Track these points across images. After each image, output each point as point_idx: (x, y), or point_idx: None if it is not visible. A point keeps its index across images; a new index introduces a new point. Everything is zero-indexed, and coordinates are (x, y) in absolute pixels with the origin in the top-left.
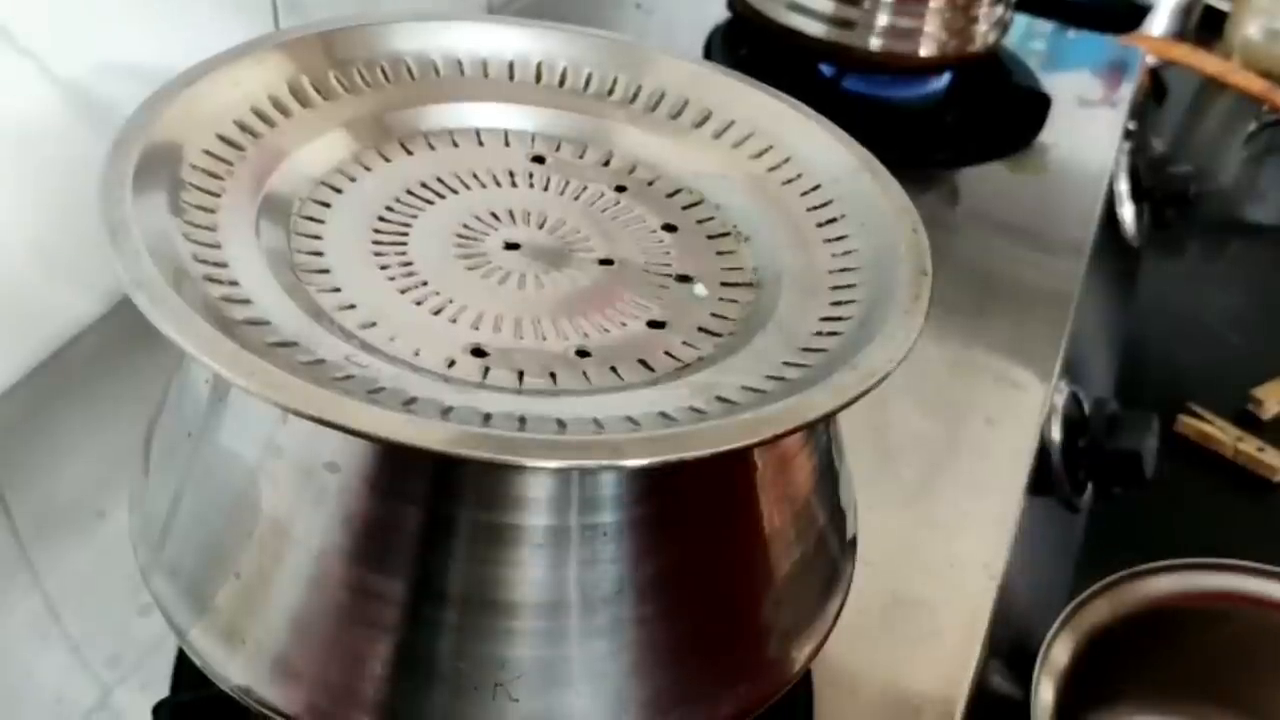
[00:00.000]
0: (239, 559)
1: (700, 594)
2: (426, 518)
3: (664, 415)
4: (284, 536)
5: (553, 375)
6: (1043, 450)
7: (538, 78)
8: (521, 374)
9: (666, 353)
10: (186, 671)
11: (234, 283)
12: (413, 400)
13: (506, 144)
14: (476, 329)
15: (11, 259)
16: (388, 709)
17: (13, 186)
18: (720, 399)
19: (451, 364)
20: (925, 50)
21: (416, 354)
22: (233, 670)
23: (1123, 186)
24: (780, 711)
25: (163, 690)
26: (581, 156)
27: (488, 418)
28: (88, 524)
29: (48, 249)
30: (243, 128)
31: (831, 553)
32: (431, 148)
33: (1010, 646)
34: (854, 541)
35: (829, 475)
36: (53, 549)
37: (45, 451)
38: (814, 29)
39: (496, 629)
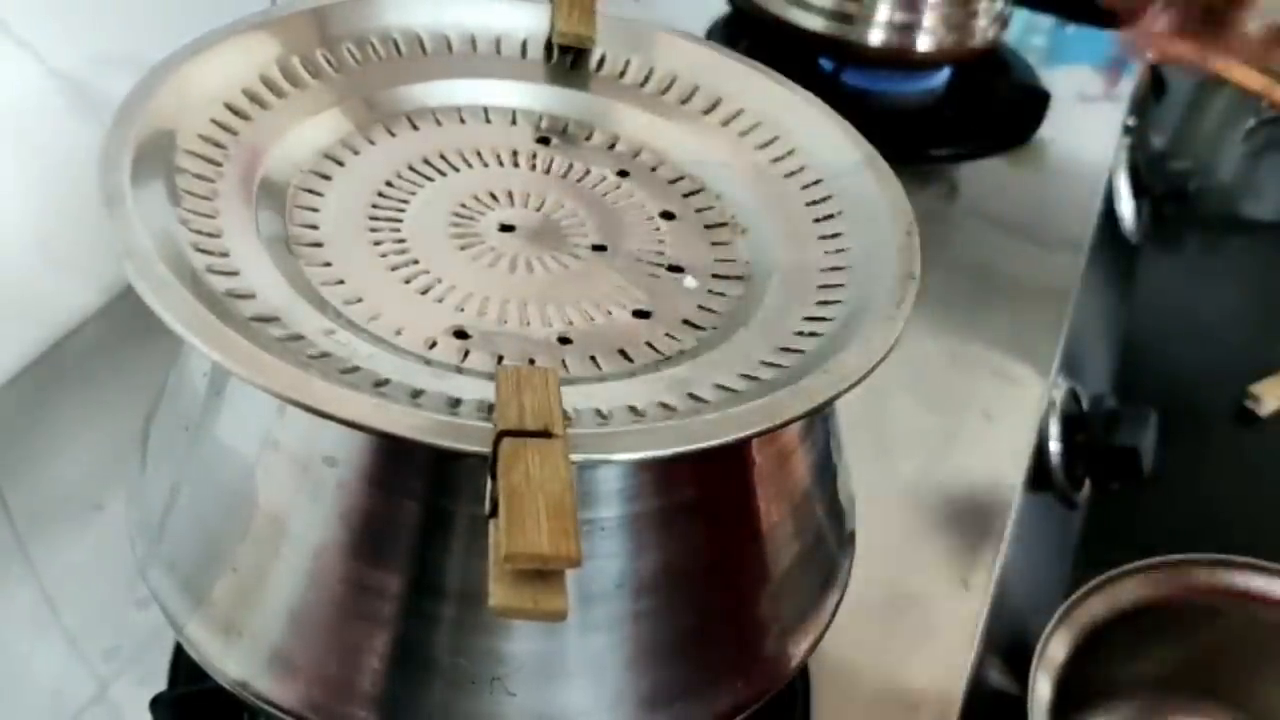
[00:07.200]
0: (236, 553)
1: (698, 589)
2: (424, 512)
3: (632, 410)
4: (281, 530)
5: (531, 362)
6: (1041, 446)
7: (549, 56)
8: (500, 359)
9: (648, 343)
10: (184, 665)
11: (224, 254)
12: (384, 382)
13: (513, 123)
14: (461, 310)
15: (10, 251)
16: (385, 703)
17: (11, 178)
18: (692, 396)
19: (433, 345)
20: (925, 45)
21: (398, 333)
22: (230, 664)
23: (1122, 182)
24: (778, 706)
25: (160, 684)
26: (588, 139)
27: (456, 403)
28: (85, 517)
29: (46, 241)
30: (250, 97)
31: (830, 548)
32: (438, 124)
33: (1007, 642)
34: (852, 536)
35: (828, 470)
36: (50, 542)
37: (43, 444)
38: (814, 23)
39: (494, 623)
